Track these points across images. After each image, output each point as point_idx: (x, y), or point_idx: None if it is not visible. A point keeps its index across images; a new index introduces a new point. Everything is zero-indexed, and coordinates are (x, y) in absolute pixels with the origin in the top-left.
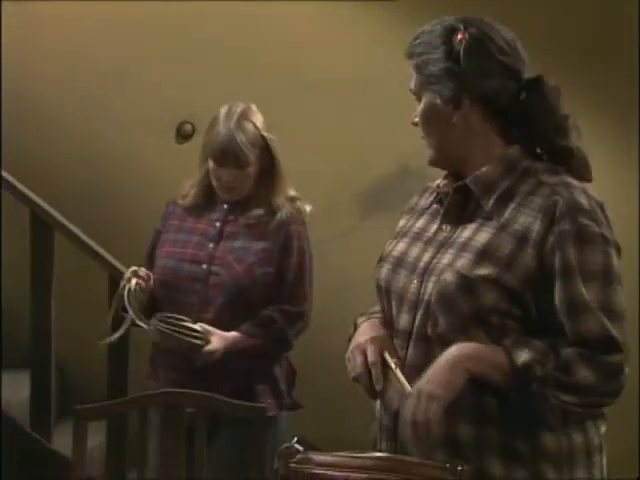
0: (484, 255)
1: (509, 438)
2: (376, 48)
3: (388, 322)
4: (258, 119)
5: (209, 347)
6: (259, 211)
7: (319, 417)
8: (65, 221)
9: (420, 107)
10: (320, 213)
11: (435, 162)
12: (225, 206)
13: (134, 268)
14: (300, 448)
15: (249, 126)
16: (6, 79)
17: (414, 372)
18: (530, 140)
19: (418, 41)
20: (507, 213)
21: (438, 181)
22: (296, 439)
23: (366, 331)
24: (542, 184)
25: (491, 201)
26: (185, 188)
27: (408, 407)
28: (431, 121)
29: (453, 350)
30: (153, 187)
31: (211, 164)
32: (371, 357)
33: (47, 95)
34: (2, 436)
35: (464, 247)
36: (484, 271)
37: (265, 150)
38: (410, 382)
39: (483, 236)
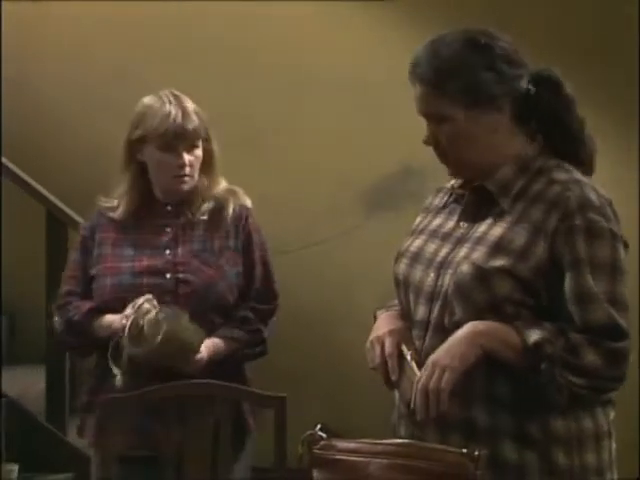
0: (499, 248)
1: (521, 422)
2: (378, 48)
3: (406, 314)
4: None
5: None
6: (208, 205)
7: (323, 409)
8: (79, 218)
9: (454, 124)
10: (324, 212)
11: (458, 172)
12: (168, 207)
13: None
14: (323, 435)
15: (190, 105)
16: (6, 78)
17: None
18: (545, 132)
19: (437, 63)
20: (521, 209)
21: (453, 182)
22: (320, 426)
23: (385, 323)
24: (554, 182)
25: (509, 200)
26: (112, 200)
27: (421, 377)
28: (468, 135)
29: (468, 326)
30: None
31: (157, 155)
32: (388, 349)
33: (48, 94)
34: (18, 428)
35: (479, 241)
36: (499, 262)
37: (204, 139)
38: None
39: (498, 230)
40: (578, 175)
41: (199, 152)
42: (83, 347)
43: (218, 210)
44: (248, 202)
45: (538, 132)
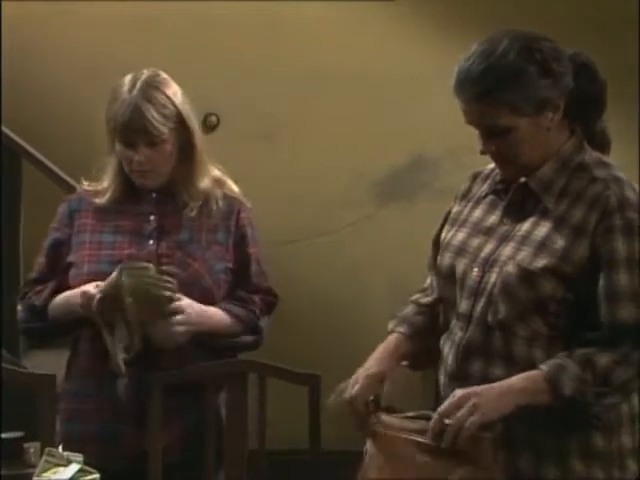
0: (543, 248)
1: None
2: (389, 45)
3: (446, 304)
4: (170, 88)
5: (180, 302)
6: (196, 196)
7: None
8: None
9: (518, 132)
10: (337, 203)
11: (516, 177)
12: (154, 195)
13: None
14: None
15: (158, 95)
16: (7, 78)
17: (470, 351)
18: (581, 118)
19: (494, 77)
20: (564, 208)
21: (491, 166)
22: (372, 398)
23: (373, 362)
24: (595, 179)
25: (552, 199)
26: (96, 184)
27: (447, 406)
28: (532, 139)
29: (506, 384)
30: None
31: (118, 147)
32: (357, 390)
33: (63, 92)
34: None
35: (524, 241)
36: (543, 263)
37: (181, 124)
38: (464, 359)
39: (542, 230)
40: (617, 171)
41: (166, 147)
42: (47, 333)
43: (206, 201)
44: (238, 192)
45: (576, 122)
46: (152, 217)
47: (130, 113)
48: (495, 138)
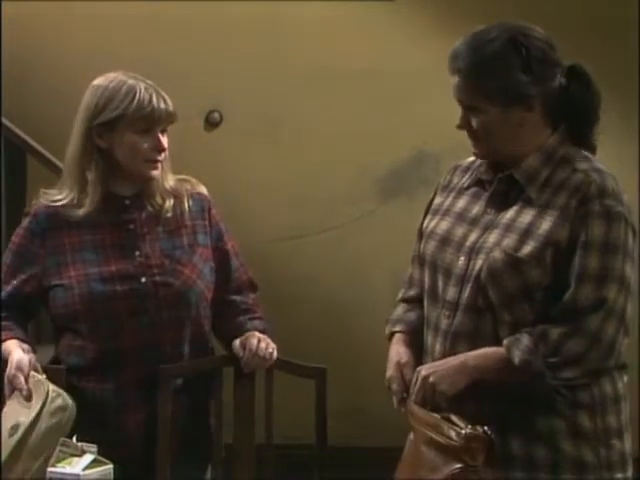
0: (527, 234)
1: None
2: (390, 42)
3: (429, 293)
4: None
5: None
6: (167, 197)
7: (338, 390)
8: None
9: (487, 117)
10: (340, 199)
11: (486, 157)
12: (127, 202)
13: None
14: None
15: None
16: (8, 78)
17: (458, 338)
18: (570, 122)
19: (476, 60)
20: (547, 197)
21: (470, 159)
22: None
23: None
24: (577, 171)
25: (536, 189)
26: (62, 195)
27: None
28: (500, 128)
29: (460, 358)
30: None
31: (132, 138)
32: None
33: (65, 90)
34: None
35: (509, 227)
36: (528, 249)
37: None
38: (453, 347)
39: (526, 217)
40: (598, 164)
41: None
42: None
43: (178, 202)
44: (204, 190)
45: (563, 121)
46: (131, 226)
47: (155, 101)
48: (469, 114)
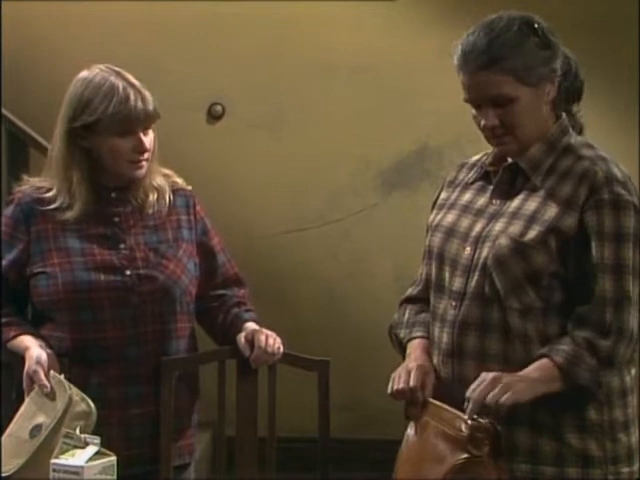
0: (533, 220)
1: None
2: (393, 35)
3: (435, 285)
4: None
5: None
6: (152, 192)
7: (341, 380)
8: None
9: (520, 101)
10: (343, 191)
11: (519, 151)
12: (113, 195)
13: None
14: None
15: (139, 83)
16: (7, 78)
17: (466, 327)
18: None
19: (498, 46)
20: (552, 184)
21: (477, 157)
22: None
23: (414, 357)
24: (582, 157)
25: (540, 177)
26: (48, 193)
27: (477, 389)
28: (533, 109)
29: (532, 371)
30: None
31: (113, 140)
32: (413, 382)
33: (66, 89)
34: None
35: (514, 215)
36: (534, 235)
37: None
38: (460, 336)
39: (532, 205)
40: (602, 152)
41: (152, 133)
42: None
43: (162, 197)
44: (185, 184)
45: (563, 110)
46: (116, 218)
47: (133, 102)
48: (498, 109)
